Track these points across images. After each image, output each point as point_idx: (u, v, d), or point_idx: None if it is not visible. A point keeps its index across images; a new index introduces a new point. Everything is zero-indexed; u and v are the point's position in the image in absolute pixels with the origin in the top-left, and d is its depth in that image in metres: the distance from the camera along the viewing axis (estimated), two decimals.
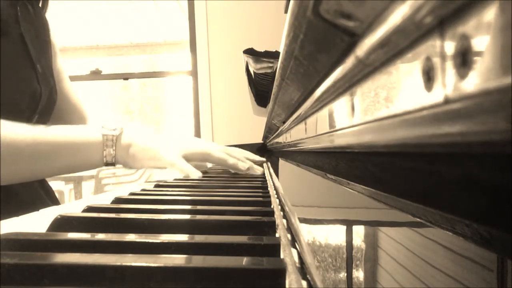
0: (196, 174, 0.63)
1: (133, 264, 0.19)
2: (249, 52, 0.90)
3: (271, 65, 0.84)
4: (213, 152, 0.70)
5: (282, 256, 0.23)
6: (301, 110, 0.34)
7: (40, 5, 0.76)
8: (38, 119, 0.69)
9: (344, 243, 0.23)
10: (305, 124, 0.35)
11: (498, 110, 0.07)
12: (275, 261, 0.19)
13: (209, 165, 1.07)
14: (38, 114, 0.69)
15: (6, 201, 0.61)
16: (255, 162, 0.80)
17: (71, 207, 0.42)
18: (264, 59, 0.87)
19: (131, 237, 0.24)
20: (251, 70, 0.95)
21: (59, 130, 0.60)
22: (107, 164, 0.63)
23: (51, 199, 0.74)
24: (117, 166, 0.65)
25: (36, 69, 0.68)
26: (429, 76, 0.10)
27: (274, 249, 0.23)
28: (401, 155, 0.15)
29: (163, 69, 4.26)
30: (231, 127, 2.33)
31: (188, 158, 0.67)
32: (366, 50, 0.14)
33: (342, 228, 0.25)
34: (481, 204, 0.10)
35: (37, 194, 0.71)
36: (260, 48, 0.91)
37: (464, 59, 0.08)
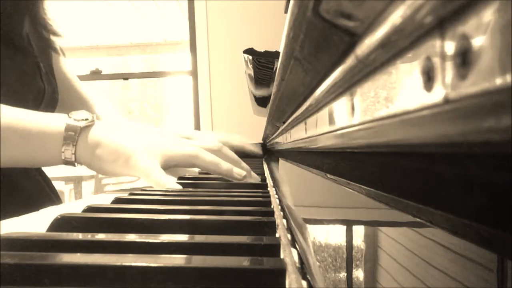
0: (175, 187, 0.51)
1: (133, 264, 0.19)
2: (249, 52, 0.90)
3: (271, 65, 0.84)
4: (202, 155, 0.56)
5: (282, 256, 0.24)
6: (301, 110, 0.34)
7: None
8: None
9: (344, 243, 0.23)
10: (305, 124, 0.35)
11: (498, 110, 0.07)
12: (275, 261, 0.19)
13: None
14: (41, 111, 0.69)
15: (10, 195, 0.62)
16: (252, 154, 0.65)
17: (71, 207, 0.42)
18: (264, 59, 0.87)
19: (131, 237, 0.24)
20: (251, 70, 0.95)
21: (15, 112, 0.49)
22: (67, 162, 0.51)
23: (56, 197, 0.75)
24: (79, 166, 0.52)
25: (40, 67, 0.69)
26: (429, 76, 0.10)
27: (274, 249, 0.23)
28: (401, 155, 0.15)
29: (163, 69, 4.26)
30: (231, 127, 2.33)
31: (170, 163, 0.56)
32: (366, 50, 0.14)
33: (342, 228, 0.25)
34: (481, 204, 0.10)
35: (43, 190, 0.72)
36: (260, 48, 0.91)
37: (464, 59, 0.08)
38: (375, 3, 0.12)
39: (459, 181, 0.11)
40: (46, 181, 0.75)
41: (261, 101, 1.10)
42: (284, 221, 0.37)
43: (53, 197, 0.73)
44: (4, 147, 0.49)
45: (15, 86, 0.62)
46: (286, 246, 0.26)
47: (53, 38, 0.78)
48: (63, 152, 0.50)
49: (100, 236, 0.24)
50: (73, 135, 0.49)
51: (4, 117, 0.48)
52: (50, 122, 0.50)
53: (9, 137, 0.48)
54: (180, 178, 0.62)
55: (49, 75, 0.72)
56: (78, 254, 0.21)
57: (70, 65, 0.85)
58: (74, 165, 0.52)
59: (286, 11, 0.23)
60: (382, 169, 0.17)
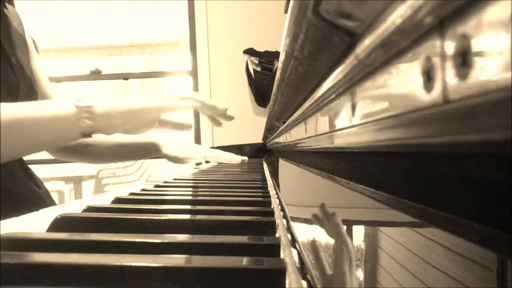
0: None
1: (133, 264, 0.19)
2: (249, 52, 0.90)
3: (271, 65, 0.84)
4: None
5: (282, 256, 0.23)
6: (301, 110, 0.34)
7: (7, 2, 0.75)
8: None
9: None
10: (305, 124, 0.35)
11: (498, 110, 0.07)
12: (275, 261, 0.19)
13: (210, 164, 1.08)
14: None
15: (3, 201, 0.62)
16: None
17: (71, 207, 0.42)
18: (264, 59, 0.87)
19: (131, 237, 0.24)
20: (251, 70, 0.95)
21: (30, 106, 0.57)
22: (85, 135, 0.61)
23: (48, 198, 0.75)
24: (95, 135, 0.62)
25: (11, 61, 0.68)
26: (429, 76, 0.10)
27: (274, 249, 0.23)
28: (401, 155, 0.15)
29: (163, 69, 4.25)
30: (231, 127, 2.33)
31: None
32: (366, 50, 0.14)
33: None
34: (481, 204, 0.10)
35: (34, 192, 0.72)
36: (260, 48, 0.91)
37: (464, 59, 0.08)
38: (375, 3, 0.12)
39: (459, 181, 0.11)
40: (37, 183, 0.75)
41: (261, 101, 1.10)
42: (284, 221, 0.37)
43: (44, 199, 0.73)
44: (29, 138, 0.57)
45: None
46: (286, 246, 0.26)
47: (26, 33, 0.77)
48: (82, 127, 0.59)
49: (100, 236, 0.24)
50: (87, 113, 0.59)
51: (27, 112, 0.56)
52: (63, 107, 0.59)
53: (34, 128, 0.56)
54: (178, 179, 0.62)
55: (24, 67, 0.71)
56: (78, 254, 0.21)
57: (42, 65, 0.82)
58: (91, 136, 0.61)
59: (286, 11, 0.23)
60: (382, 169, 0.17)
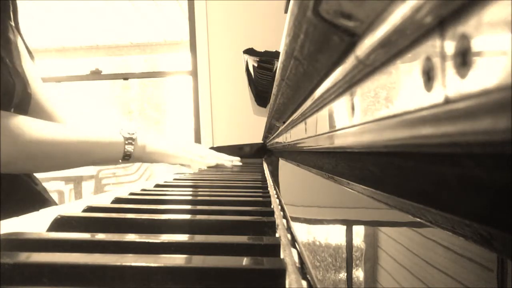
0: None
1: (133, 264, 0.19)
2: (249, 52, 0.90)
3: (271, 65, 0.84)
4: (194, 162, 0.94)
5: (282, 256, 0.23)
6: (301, 110, 0.34)
7: (11, 18, 0.76)
8: (14, 112, 0.70)
9: (344, 243, 0.23)
10: (305, 124, 0.35)
11: (498, 110, 0.07)
12: (275, 261, 0.20)
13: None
14: (14, 107, 0.69)
15: (7, 201, 0.62)
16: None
17: (71, 207, 0.42)
18: (264, 59, 0.87)
19: (131, 237, 0.24)
20: (251, 70, 0.95)
21: (86, 131, 0.75)
22: (124, 157, 0.81)
23: (46, 194, 0.76)
24: (121, 163, 0.82)
25: (6, 63, 0.68)
26: (429, 76, 0.10)
27: (274, 249, 0.23)
28: (401, 155, 0.15)
29: (163, 69, 4.25)
30: (231, 127, 2.33)
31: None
32: (366, 50, 0.14)
33: (342, 228, 0.25)
34: (481, 204, 0.10)
35: (33, 190, 0.73)
36: (260, 48, 0.91)
37: (464, 59, 0.08)
38: (375, 3, 0.12)
39: (459, 181, 0.11)
40: (34, 180, 0.76)
41: (261, 101, 1.11)
42: (284, 221, 0.37)
43: (42, 193, 0.75)
44: (83, 157, 0.75)
45: None
46: (286, 246, 0.26)
47: (19, 41, 0.78)
48: (126, 152, 0.79)
49: (100, 236, 0.24)
50: (131, 141, 0.81)
51: (84, 136, 0.73)
52: (113, 136, 0.80)
53: (88, 149, 0.74)
54: (178, 179, 0.62)
55: (18, 70, 0.72)
56: (78, 254, 0.21)
57: (36, 69, 0.83)
58: (130, 158, 0.81)
59: (286, 11, 0.23)
60: (382, 169, 0.17)
